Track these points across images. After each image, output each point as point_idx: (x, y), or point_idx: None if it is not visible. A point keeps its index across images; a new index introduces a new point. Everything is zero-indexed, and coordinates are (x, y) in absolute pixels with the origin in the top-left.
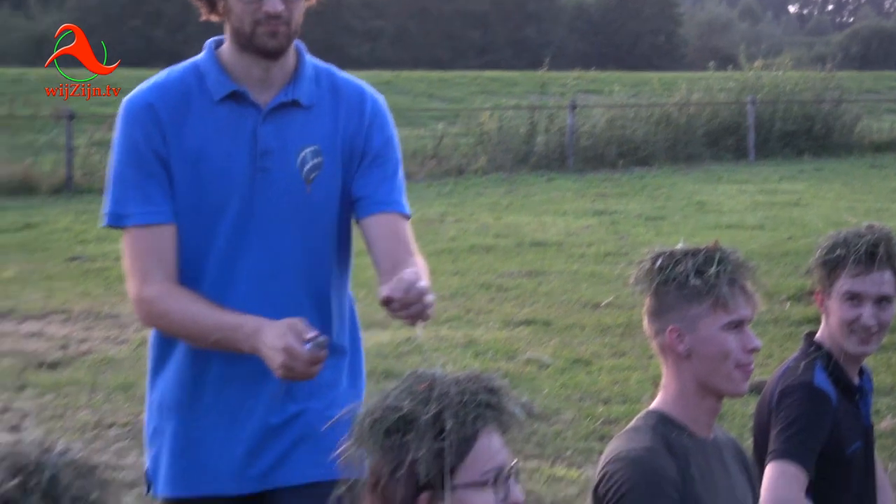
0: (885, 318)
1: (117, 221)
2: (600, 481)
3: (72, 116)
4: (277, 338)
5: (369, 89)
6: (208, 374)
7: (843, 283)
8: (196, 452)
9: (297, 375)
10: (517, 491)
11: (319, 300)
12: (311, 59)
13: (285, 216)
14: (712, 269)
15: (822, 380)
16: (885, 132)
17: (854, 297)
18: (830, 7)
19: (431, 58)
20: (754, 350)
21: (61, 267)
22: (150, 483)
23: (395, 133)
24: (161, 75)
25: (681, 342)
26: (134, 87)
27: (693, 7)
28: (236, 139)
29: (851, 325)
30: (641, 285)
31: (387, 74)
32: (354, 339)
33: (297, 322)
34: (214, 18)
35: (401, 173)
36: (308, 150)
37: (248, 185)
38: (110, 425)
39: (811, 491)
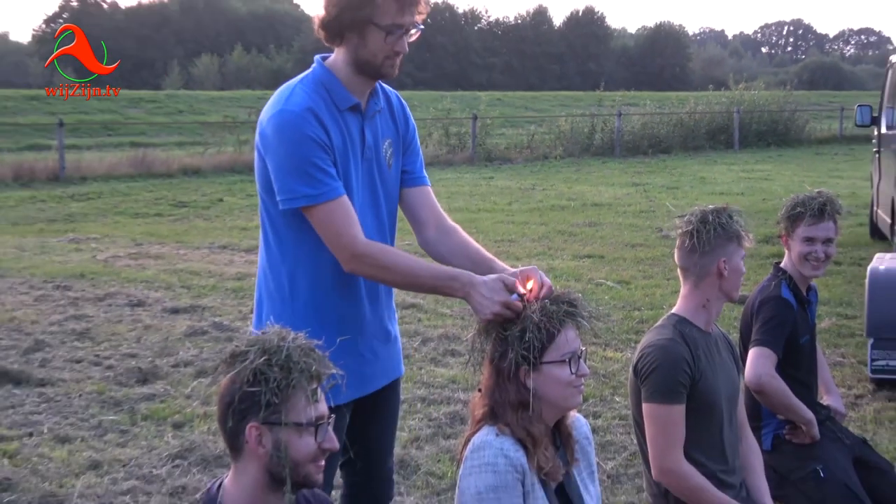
0: (830, 252)
1: (313, 200)
2: (638, 360)
3: None
4: (496, 293)
5: (398, 94)
6: (363, 304)
7: (803, 230)
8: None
9: (504, 319)
10: (584, 366)
11: (393, 244)
12: None
13: (381, 190)
14: (740, 218)
15: (786, 293)
16: (825, 131)
17: (810, 239)
18: (789, 48)
19: (527, 83)
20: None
21: None
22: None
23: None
24: (296, 90)
25: (726, 268)
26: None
27: (699, 49)
28: (354, 138)
29: (807, 257)
30: (690, 235)
31: (498, 94)
32: None
33: (507, 278)
34: (334, 45)
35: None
36: (387, 141)
37: (360, 170)
38: None
39: (778, 367)
